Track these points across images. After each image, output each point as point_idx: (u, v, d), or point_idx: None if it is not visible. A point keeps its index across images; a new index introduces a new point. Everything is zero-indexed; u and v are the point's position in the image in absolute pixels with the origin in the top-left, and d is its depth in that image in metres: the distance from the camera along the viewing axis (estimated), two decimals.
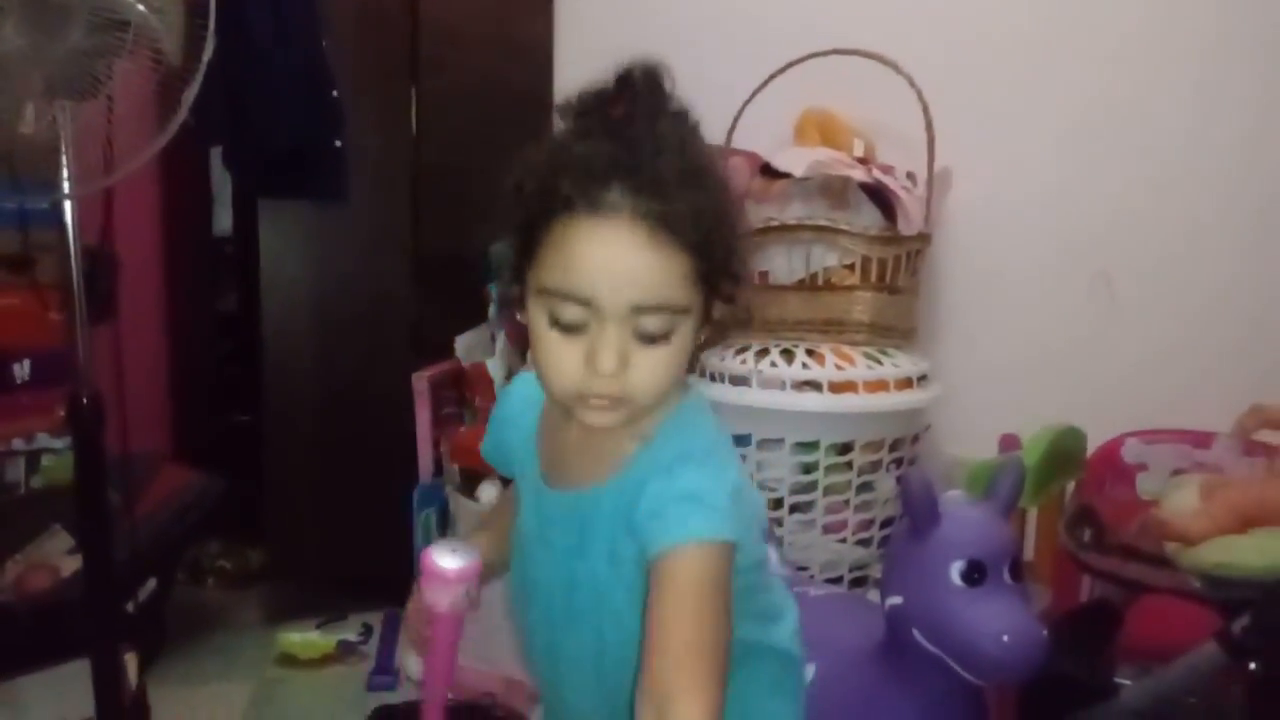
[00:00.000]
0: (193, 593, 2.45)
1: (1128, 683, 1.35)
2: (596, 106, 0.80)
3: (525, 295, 0.81)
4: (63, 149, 1.37)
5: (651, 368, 0.79)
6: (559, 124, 0.82)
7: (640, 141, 0.77)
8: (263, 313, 2.46)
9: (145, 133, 1.45)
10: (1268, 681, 1.14)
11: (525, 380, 0.96)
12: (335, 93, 2.17)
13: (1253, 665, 1.15)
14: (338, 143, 2.19)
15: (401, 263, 2.32)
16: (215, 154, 2.50)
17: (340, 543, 2.38)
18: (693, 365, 0.86)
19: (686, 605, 0.77)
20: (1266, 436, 1.71)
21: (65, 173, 1.37)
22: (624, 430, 0.83)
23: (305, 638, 2.14)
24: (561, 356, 0.79)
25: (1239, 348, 1.99)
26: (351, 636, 2.18)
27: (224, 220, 2.77)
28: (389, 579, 2.29)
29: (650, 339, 0.78)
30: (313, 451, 2.44)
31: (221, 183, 2.66)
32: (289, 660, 2.11)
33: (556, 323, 0.78)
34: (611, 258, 0.76)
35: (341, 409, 2.40)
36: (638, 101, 0.78)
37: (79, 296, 1.39)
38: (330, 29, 2.15)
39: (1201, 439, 1.83)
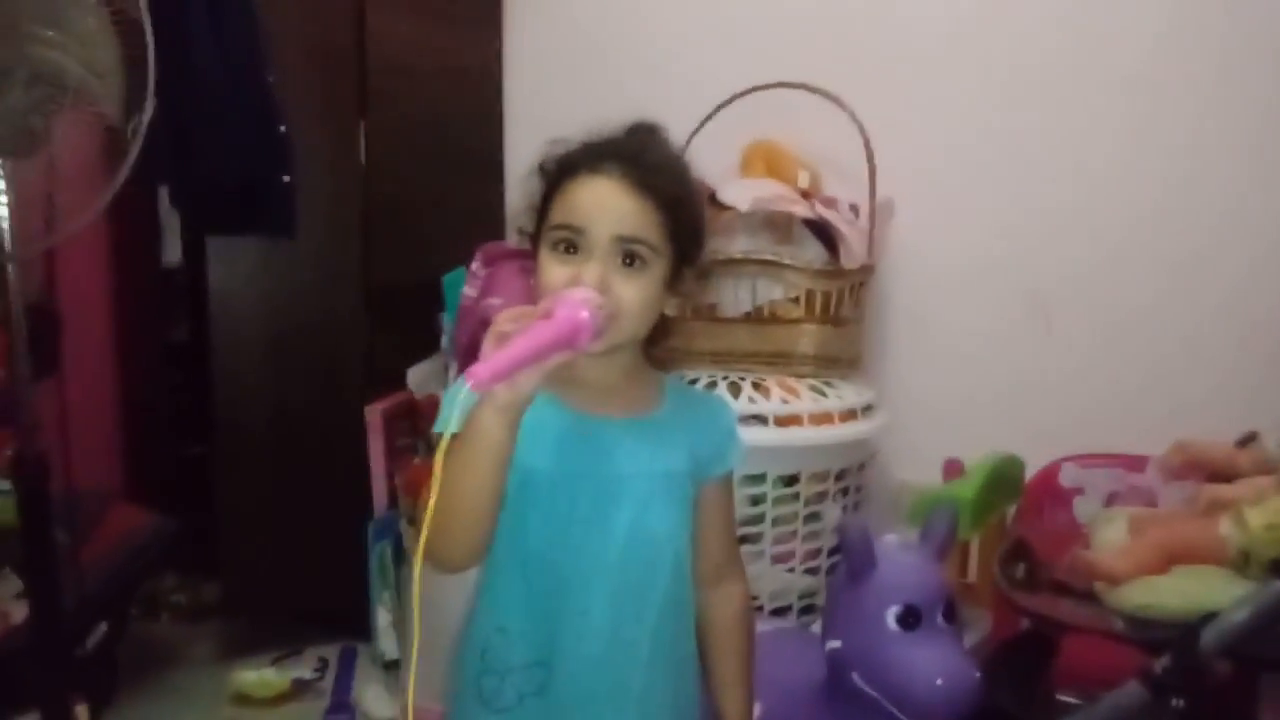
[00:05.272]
0: (147, 628, 2.44)
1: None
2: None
3: (538, 253, 1.01)
4: (4, 210, 1.37)
5: (632, 290, 0.98)
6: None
7: (637, 141, 1.03)
8: (213, 344, 2.46)
9: (91, 188, 1.46)
10: (1189, 717, 1.20)
11: None
12: (283, 128, 2.16)
13: (1174, 702, 1.20)
14: (286, 178, 2.18)
15: (353, 294, 2.32)
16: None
17: (295, 576, 2.38)
18: (667, 332, 1.09)
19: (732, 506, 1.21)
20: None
21: (6, 234, 1.37)
22: (642, 377, 1.09)
23: (260, 676, 2.14)
24: (556, 274, 0.98)
25: (1170, 370, 2.05)
26: (306, 673, 2.18)
27: (174, 250, 2.75)
28: (344, 612, 2.31)
29: (629, 260, 0.98)
30: (266, 483, 2.43)
31: (170, 214, 2.64)
32: (244, 700, 2.11)
33: (556, 248, 0.99)
34: (602, 197, 0.98)
35: (295, 441, 2.40)
36: (639, 132, 1.05)
37: (22, 357, 1.39)
38: (276, 64, 2.14)
39: (1135, 463, 1.88)
